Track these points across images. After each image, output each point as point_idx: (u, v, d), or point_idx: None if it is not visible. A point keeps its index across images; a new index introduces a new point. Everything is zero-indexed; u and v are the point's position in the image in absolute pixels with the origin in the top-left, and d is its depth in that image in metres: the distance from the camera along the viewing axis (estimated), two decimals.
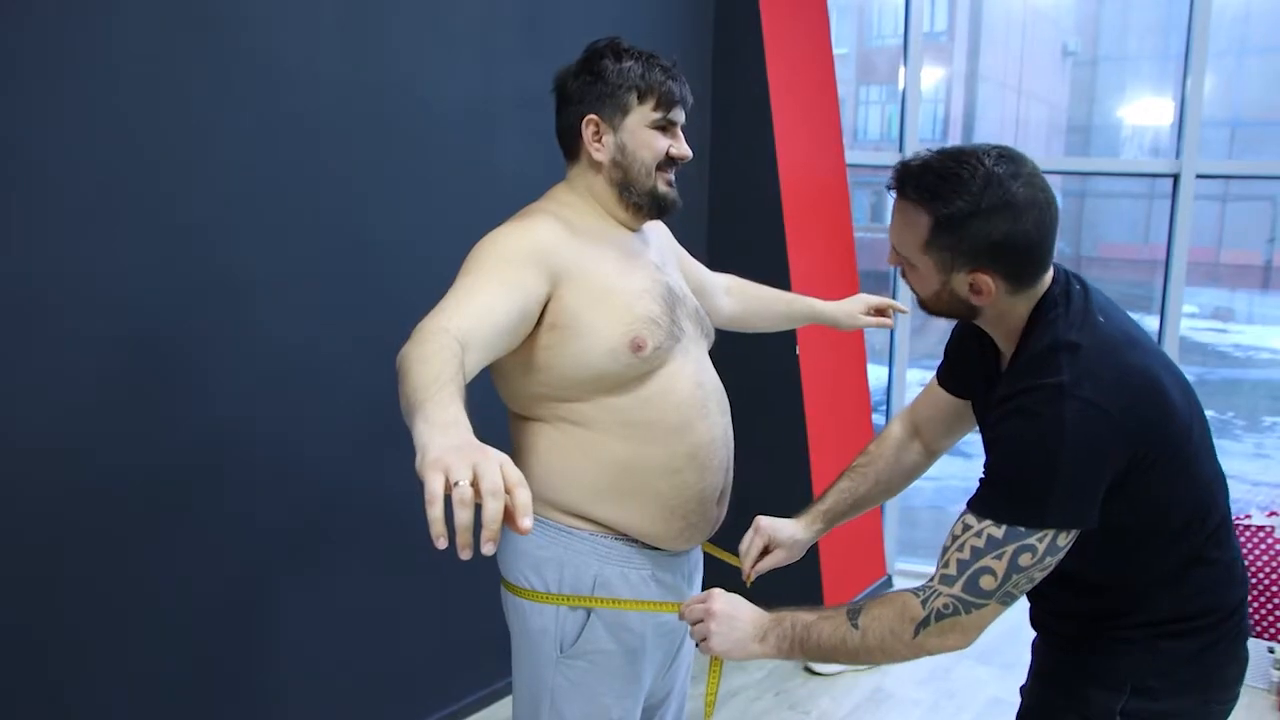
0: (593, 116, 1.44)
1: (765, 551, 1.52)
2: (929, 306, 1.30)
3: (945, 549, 1.21)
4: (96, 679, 1.98)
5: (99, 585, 1.97)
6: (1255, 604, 3.10)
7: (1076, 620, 1.32)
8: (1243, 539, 3.13)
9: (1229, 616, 1.27)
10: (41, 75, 1.79)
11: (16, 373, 1.81)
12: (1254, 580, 3.09)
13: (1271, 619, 3.07)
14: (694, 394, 1.45)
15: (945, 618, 1.19)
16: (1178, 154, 3.39)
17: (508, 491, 0.89)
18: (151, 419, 2.01)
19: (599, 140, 1.45)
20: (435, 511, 0.87)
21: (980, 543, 1.17)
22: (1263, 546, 3.09)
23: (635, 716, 1.51)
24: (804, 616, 1.30)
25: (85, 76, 1.85)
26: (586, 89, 1.44)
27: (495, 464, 0.90)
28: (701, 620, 1.34)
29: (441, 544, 0.86)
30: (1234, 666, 1.30)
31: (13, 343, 1.80)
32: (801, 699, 2.96)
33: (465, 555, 0.88)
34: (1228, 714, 1.32)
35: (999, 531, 1.16)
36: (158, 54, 1.94)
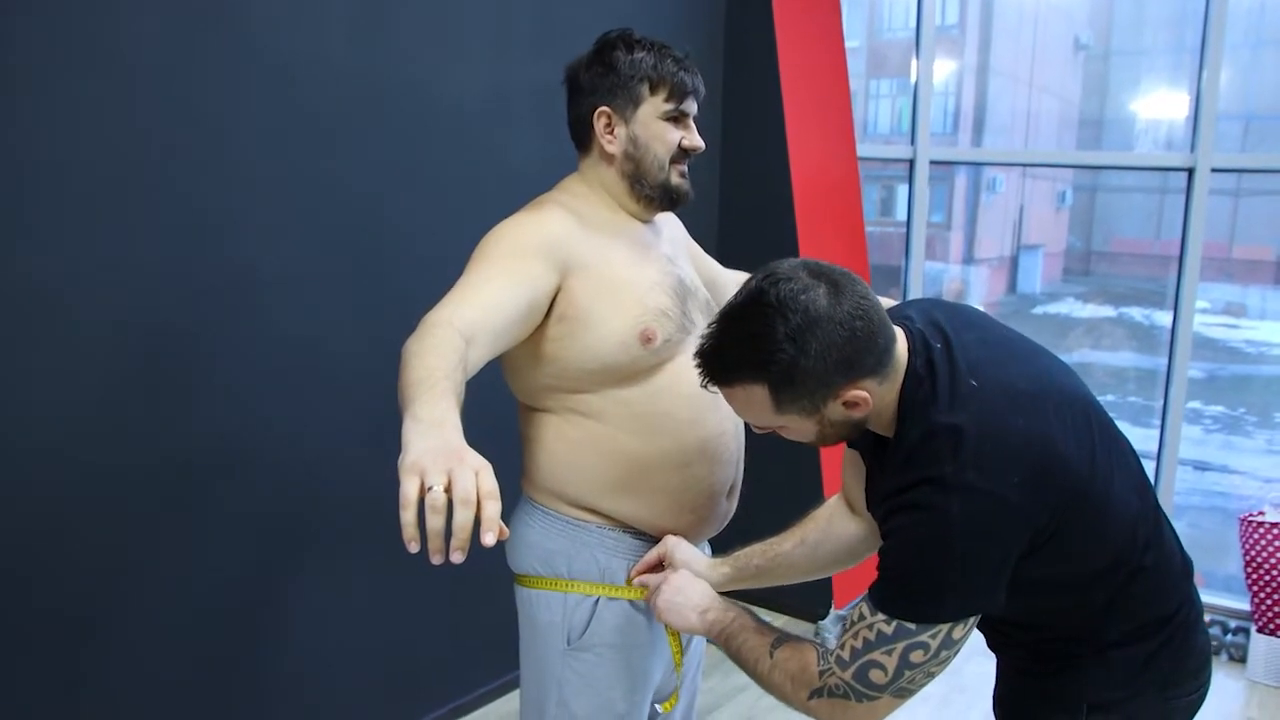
0: (604, 108, 1.43)
1: (661, 564, 1.45)
2: (823, 444, 1.21)
3: (844, 629, 1.16)
4: (107, 675, 1.99)
5: (109, 580, 1.97)
6: (1269, 601, 3.08)
7: (1025, 648, 1.29)
8: (1256, 536, 3.10)
9: (1175, 613, 1.23)
10: (51, 71, 1.79)
11: (25, 367, 1.81)
12: (1267, 578, 3.07)
13: None
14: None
15: (836, 697, 1.15)
16: (1192, 148, 3.36)
17: (478, 502, 0.88)
18: (161, 414, 2.01)
19: (611, 132, 1.44)
20: (407, 516, 0.87)
21: (871, 636, 1.11)
22: (1276, 544, 3.07)
23: (643, 711, 1.50)
24: (746, 620, 1.29)
25: (95, 72, 1.84)
26: (598, 80, 1.43)
27: (471, 471, 0.89)
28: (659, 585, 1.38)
29: (413, 548, 0.87)
30: (1192, 658, 1.25)
31: (21, 337, 1.80)
32: None
33: (436, 560, 0.88)
34: (1198, 704, 1.28)
35: (889, 628, 1.10)
36: (168, 49, 1.94)
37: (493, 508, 0.89)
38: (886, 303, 1.29)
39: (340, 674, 2.45)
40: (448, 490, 0.88)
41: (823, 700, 1.16)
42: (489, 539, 0.88)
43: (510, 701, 2.84)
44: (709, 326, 1.16)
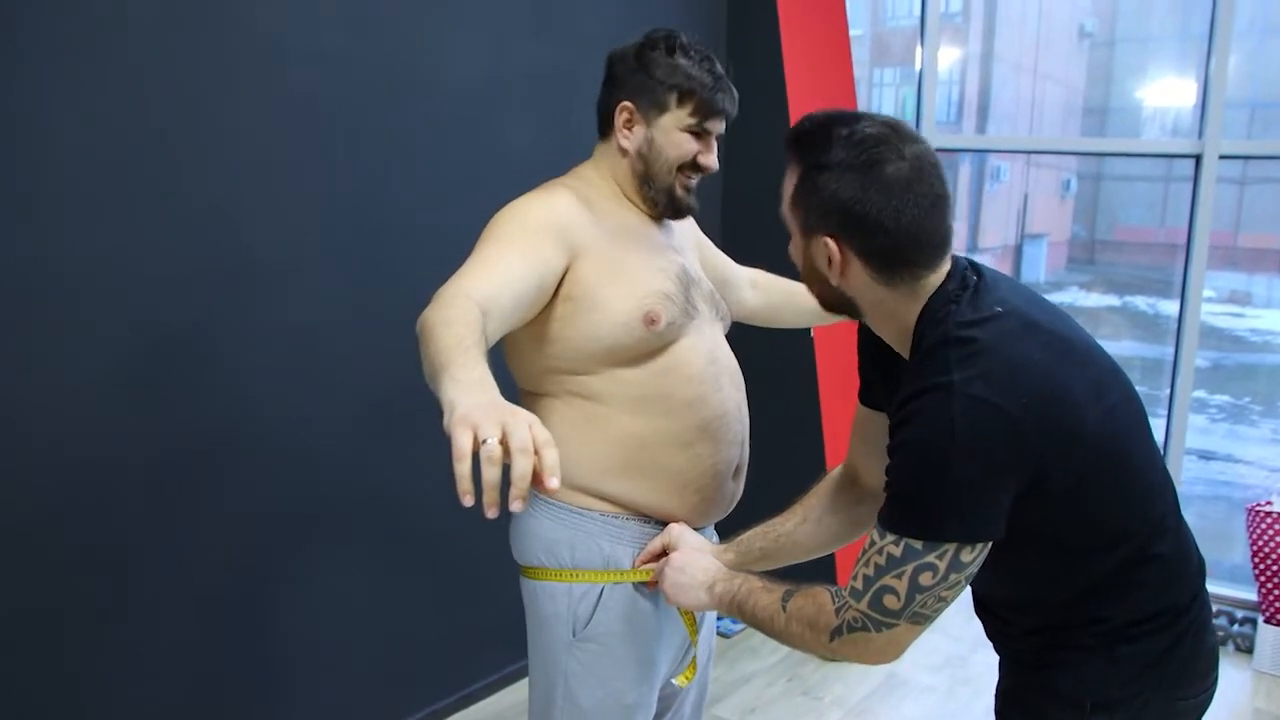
0: (628, 104, 1.44)
1: (665, 553, 1.44)
2: (808, 284, 1.23)
3: (858, 559, 1.15)
4: (107, 668, 1.98)
5: (107, 572, 1.96)
6: (1277, 591, 3.06)
7: (1028, 637, 1.26)
8: (1263, 526, 3.08)
9: (1187, 610, 1.20)
10: (47, 60, 1.77)
11: (26, 358, 1.80)
12: (1274, 568, 3.05)
13: None
14: (707, 369, 1.44)
15: (856, 631, 1.14)
16: (1200, 134, 3.33)
17: (536, 451, 0.88)
18: (160, 404, 2.00)
19: (629, 128, 1.45)
20: (462, 468, 0.86)
21: (881, 560, 1.10)
22: None
23: (651, 700, 1.50)
24: (753, 581, 1.29)
25: (91, 60, 1.83)
26: (630, 76, 1.43)
27: (524, 422, 0.89)
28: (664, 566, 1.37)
29: (468, 501, 0.86)
30: (1201, 660, 1.23)
31: (22, 328, 1.79)
32: (815, 684, 2.95)
33: (491, 514, 0.88)
34: (1206, 705, 1.26)
35: (897, 549, 1.09)
36: (163, 36, 1.92)
37: (551, 455, 0.89)
38: None
39: (348, 663, 2.44)
40: (502, 443, 0.87)
41: (844, 639, 1.15)
42: (554, 482, 0.88)
43: (519, 690, 2.83)
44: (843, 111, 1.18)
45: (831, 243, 1.13)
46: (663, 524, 1.46)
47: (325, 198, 2.24)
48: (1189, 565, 1.22)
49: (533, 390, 1.46)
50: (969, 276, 1.17)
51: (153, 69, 1.91)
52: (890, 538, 1.10)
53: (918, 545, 1.08)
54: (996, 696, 1.34)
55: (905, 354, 1.19)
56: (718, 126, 1.46)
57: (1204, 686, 1.24)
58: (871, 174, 1.09)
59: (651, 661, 1.47)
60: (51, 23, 1.77)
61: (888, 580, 1.10)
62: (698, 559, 1.36)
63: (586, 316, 1.35)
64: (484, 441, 0.87)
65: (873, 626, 1.12)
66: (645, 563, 1.44)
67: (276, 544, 2.25)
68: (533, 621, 1.48)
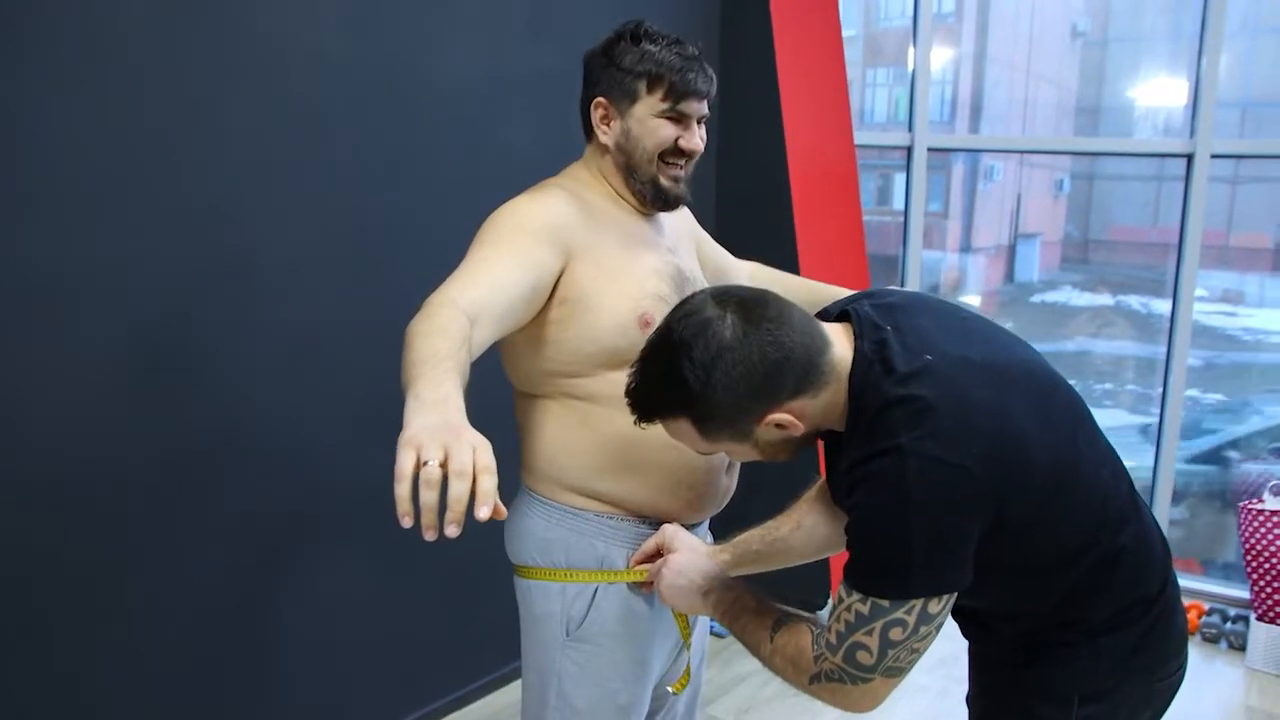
0: (601, 100, 1.43)
1: (660, 554, 1.44)
2: (775, 459, 1.23)
3: (831, 610, 1.16)
4: (108, 670, 1.98)
5: (108, 573, 1.97)
6: (1269, 589, 3.08)
7: (1011, 640, 1.27)
8: (1255, 524, 3.11)
9: (1160, 594, 1.23)
10: (44, 60, 1.78)
11: (26, 358, 1.81)
12: (1266, 566, 3.08)
13: None
14: None
15: (833, 681, 1.15)
16: (1192, 134, 3.35)
17: (474, 476, 0.87)
18: (160, 405, 2.00)
19: (606, 124, 1.44)
20: (401, 489, 0.86)
21: (851, 617, 1.11)
22: (1276, 532, 3.07)
23: (644, 701, 1.50)
24: (748, 600, 1.29)
25: (91, 60, 1.83)
26: (601, 72, 1.43)
27: (467, 446, 0.89)
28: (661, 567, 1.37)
29: (406, 523, 0.86)
30: (1173, 640, 1.26)
31: (22, 328, 1.80)
32: None
33: (429, 536, 0.88)
34: (1178, 685, 1.29)
35: (865, 607, 1.09)
36: (161, 36, 1.93)
37: (488, 482, 0.88)
38: (839, 292, 1.29)
39: (343, 665, 2.45)
40: (444, 466, 0.87)
41: (822, 685, 1.16)
42: (483, 513, 0.87)
43: (515, 691, 2.84)
44: (632, 365, 1.18)
45: (774, 415, 1.13)
46: (657, 524, 1.46)
47: (325, 198, 2.24)
48: (1155, 551, 1.25)
49: (528, 392, 1.46)
50: (879, 327, 1.16)
51: (153, 69, 1.92)
52: (857, 596, 1.11)
53: (884, 604, 1.09)
54: (974, 696, 1.35)
55: (840, 424, 1.19)
56: (694, 108, 1.43)
57: (1176, 666, 1.27)
58: (729, 349, 1.08)
59: (645, 662, 1.48)
60: (51, 23, 1.77)
61: (859, 637, 1.11)
62: (697, 562, 1.37)
63: (582, 319, 1.36)
64: (424, 464, 0.87)
65: (849, 680, 1.13)
66: (640, 563, 1.44)
67: (276, 544, 2.25)
68: (526, 621, 1.49)
